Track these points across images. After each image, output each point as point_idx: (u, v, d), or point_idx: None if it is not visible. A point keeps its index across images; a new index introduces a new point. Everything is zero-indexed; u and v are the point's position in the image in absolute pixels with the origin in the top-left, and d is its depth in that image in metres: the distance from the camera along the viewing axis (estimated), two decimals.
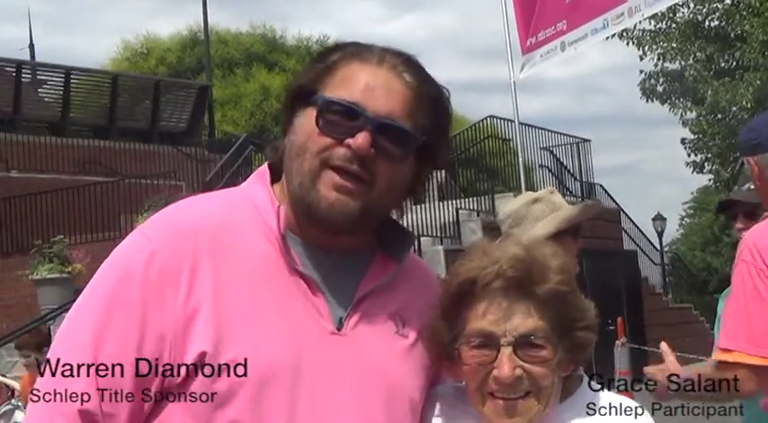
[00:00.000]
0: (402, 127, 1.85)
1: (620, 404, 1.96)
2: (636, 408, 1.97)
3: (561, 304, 1.86)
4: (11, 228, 19.63)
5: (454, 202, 18.76)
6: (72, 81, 23.90)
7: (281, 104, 1.97)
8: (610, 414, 1.93)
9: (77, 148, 22.12)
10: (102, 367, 1.77)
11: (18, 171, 20.92)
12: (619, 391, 2.06)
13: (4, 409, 8.42)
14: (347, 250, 1.92)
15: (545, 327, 1.84)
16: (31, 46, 34.51)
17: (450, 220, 18.35)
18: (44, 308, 15.02)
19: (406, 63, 1.90)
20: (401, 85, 1.87)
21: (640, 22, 19.44)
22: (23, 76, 23.55)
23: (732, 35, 22.11)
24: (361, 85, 1.86)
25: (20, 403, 8.34)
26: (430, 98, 1.90)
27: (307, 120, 1.86)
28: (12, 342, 14.75)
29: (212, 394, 1.76)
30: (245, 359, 1.77)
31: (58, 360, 1.80)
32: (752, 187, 4.35)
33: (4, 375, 9.44)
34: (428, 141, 1.90)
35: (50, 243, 15.74)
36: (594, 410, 1.94)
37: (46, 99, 24.60)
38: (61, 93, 23.84)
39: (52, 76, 24.33)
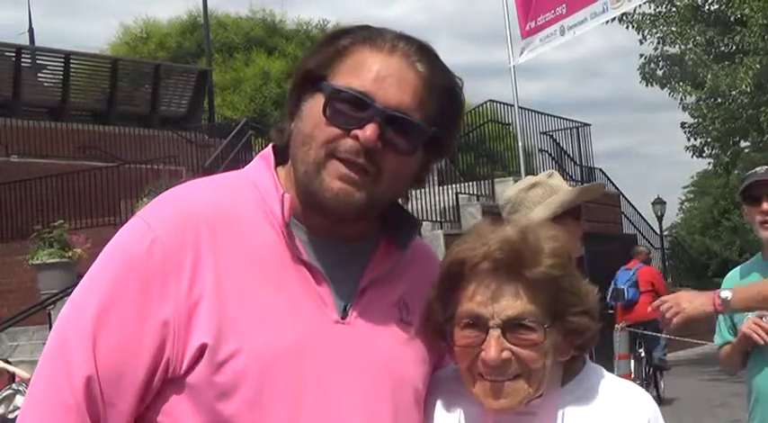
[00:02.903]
0: (412, 120, 1.81)
1: (623, 387, 1.96)
2: (639, 392, 1.97)
3: (554, 288, 1.84)
4: (11, 213, 19.63)
5: (454, 186, 18.78)
6: (71, 66, 23.83)
7: (288, 87, 1.93)
8: (612, 398, 1.92)
9: (77, 132, 22.07)
10: (104, 357, 1.75)
11: (18, 156, 20.89)
12: (619, 375, 2.05)
13: (5, 394, 8.43)
14: (351, 238, 1.89)
15: (535, 310, 1.82)
16: (31, 30, 34.31)
17: (450, 204, 18.37)
18: (44, 293, 15.04)
19: (420, 51, 1.85)
20: (413, 75, 1.82)
21: (640, 5, 19.41)
22: (23, 60, 23.48)
23: (732, 19, 22.01)
24: (372, 74, 1.81)
25: (21, 388, 8.35)
26: (442, 88, 1.86)
27: (314, 107, 1.82)
28: (12, 327, 14.81)
29: (215, 386, 1.74)
30: (248, 351, 1.74)
31: (61, 347, 1.78)
32: None
33: (8, 361, 9.44)
34: (437, 133, 1.86)
35: (50, 228, 15.71)
36: (596, 394, 1.93)
37: (45, 84, 24.53)
38: (61, 77, 23.78)
39: (52, 60, 24.27)
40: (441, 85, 1.86)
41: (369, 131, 1.77)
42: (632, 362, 14.85)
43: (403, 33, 1.88)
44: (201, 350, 1.74)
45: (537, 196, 3.46)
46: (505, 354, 1.81)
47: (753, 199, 4.36)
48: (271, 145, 1.96)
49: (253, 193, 1.88)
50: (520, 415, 1.86)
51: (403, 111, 1.80)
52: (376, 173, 1.80)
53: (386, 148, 1.79)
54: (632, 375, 13.25)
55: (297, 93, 1.88)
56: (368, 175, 1.80)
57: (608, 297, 15.73)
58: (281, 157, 1.92)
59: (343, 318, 1.84)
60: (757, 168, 4.49)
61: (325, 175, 1.79)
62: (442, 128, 1.87)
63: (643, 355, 15.60)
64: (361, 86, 1.80)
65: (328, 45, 1.88)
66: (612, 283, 16.04)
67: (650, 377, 15.75)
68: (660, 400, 15.68)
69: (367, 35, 1.86)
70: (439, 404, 1.95)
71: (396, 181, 1.85)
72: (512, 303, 1.82)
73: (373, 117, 1.78)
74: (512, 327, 1.81)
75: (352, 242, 1.90)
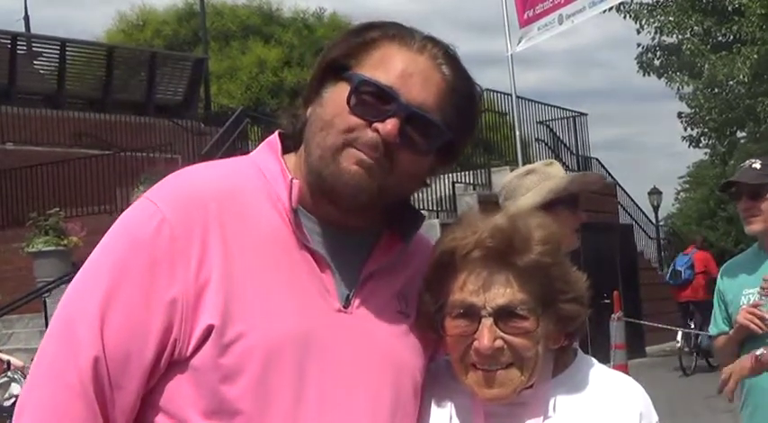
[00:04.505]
0: (433, 120, 1.82)
1: (614, 379, 1.95)
2: (629, 382, 1.96)
3: (544, 276, 1.84)
4: (6, 200, 19.62)
5: (450, 175, 18.75)
6: (67, 53, 23.78)
7: (311, 75, 1.93)
8: (603, 389, 1.92)
9: (73, 120, 22.04)
10: (111, 337, 1.74)
11: (13, 143, 20.87)
12: (615, 365, 2.05)
13: (0, 382, 8.42)
14: (355, 227, 1.90)
15: (526, 298, 1.81)
16: (26, 17, 34.18)
17: (447, 193, 18.36)
18: (40, 281, 15.05)
19: (447, 55, 1.87)
20: (439, 77, 1.84)
21: None
22: (19, 48, 23.43)
23: (730, 8, 22.00)
24: (399, 70, 1.82)
25: (16, 376, 8.34)
26: (463, 95, 1.87)
27: (337, 95, 1.83)
28: (7, 314, 14.80)
29: (220, 368, 1.74)
30: (253, 334, 1.74)
31: (66, 327, 1.77)
32: (754, 165, 4.36)
33: None
34: (453, 138, 1.88)
35: (46, 216, 15.71)
36: (587, 385, 1.92)
37: (41, 71, 24.49)
38: (56, 65, 23.73)
39: (47, 48, 24.21)
40: (462, 91, 1.87)
41: (390, 125, 1.78)
42: (679, 334, 17.40)
43: (432, 35, 1.90)
44: (208, 331, 1.74)
45: (531, 183, 3.44)
46: (498, 342, 1.80)
47: (734, 195, 4.43)
48: (277, 132, 1.96)
49: (259, 177, 1.88)
50: (511, 406, 1.85)
51: (425, 109, 1.81)
52: (390, 166, 1.81)
53: (402, 145, 1.80)
54: (628, 366, 13.36)
55: (318, 80, 1.89)
56: (381, 166, 1.80)
57: (667, 277, 19.28)
58: (288, 145, 1.92)
59: (345, 307, 1.85)
60: (746, 162, 4.50)
61: (342, 160, 1.80)
62: (458, 134, 1.88)
63: (693, 327, 17.63)
64: (386, 80, 1.81)
65: (356, 36, 1.88)
66: (672, 265, 19.48)
67: (698, 347, 17.63)
68: (712, 367, 16.72)
69: (396, 31, 1.87)
70: (430, 397, 1.94)
71: (405, 179, 1.86)
72: (503, 291, 1.81)
73: (396, 112, 1.79)
74: (504, 315, 1.81)
75: (355, 232, 1.90)
